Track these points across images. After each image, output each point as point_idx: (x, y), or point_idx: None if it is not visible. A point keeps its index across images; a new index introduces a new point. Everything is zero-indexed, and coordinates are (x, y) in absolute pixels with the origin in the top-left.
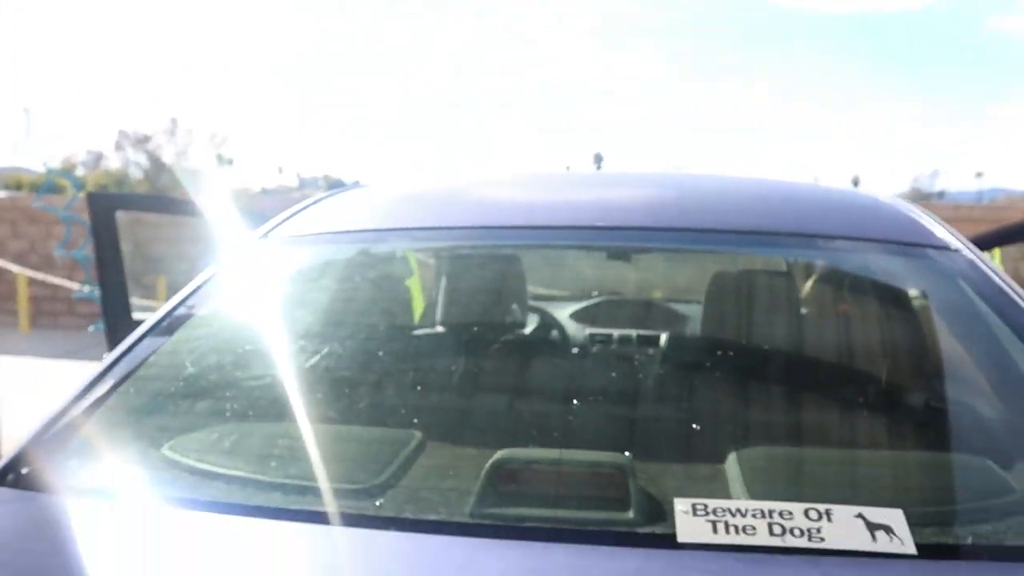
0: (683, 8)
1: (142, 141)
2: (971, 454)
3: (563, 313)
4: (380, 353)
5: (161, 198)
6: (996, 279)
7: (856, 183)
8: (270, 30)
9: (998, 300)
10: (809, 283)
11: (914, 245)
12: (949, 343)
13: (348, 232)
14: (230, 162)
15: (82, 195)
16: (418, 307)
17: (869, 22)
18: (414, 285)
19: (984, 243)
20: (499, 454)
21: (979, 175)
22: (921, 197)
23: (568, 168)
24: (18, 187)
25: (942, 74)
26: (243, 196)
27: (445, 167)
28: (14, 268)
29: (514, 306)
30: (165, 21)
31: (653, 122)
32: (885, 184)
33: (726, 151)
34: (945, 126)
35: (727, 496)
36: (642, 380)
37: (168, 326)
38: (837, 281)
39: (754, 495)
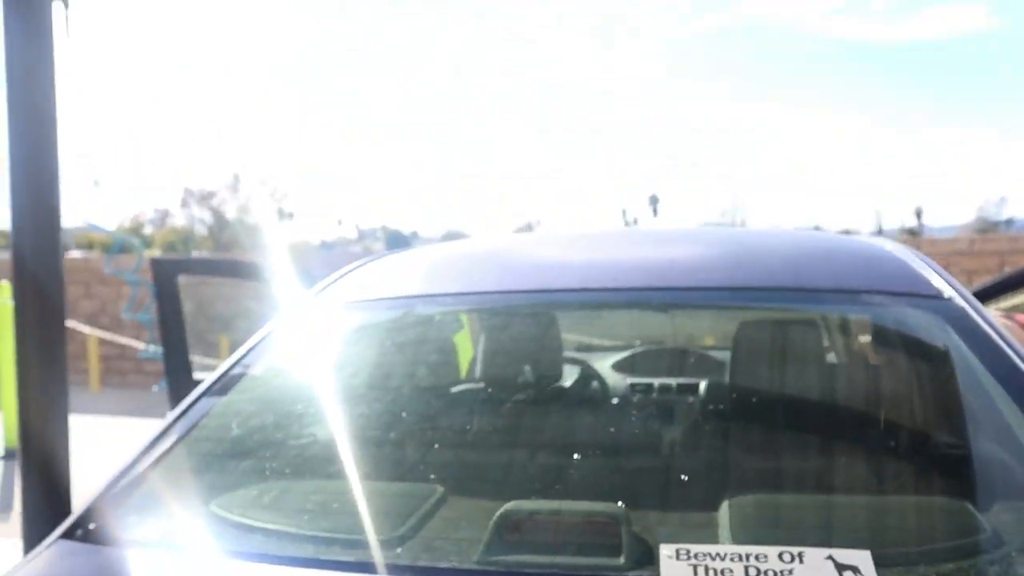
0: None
1: (206, 198)
2: (949, 497)
3: (603, 364)
4: (414, 414)
5: (220, 262)
6: (984, 327)
7: (919, 214)
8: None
9: (983, 349)
10: (801, 335)
11: (904, 295)
12: (933, 390)
13: (391, 298)
14: (290, 216)
15: (147, 258)
16: (465, 360)
17: (930, 46)
18: (463, 340)
19: (985, 294)
20: (507, 506)
21: None
22: (987, 226)
23: (624, 211)
24: (89, 246)
25: (1011, 98)
26: (303, 250)
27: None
28: (85, 329)
29: (544, 361)
30: (220, 74)
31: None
32: (950, 212)
33: (791, 181)
34: (1015, 151)
35: (715, 542)
36: (644, 431)
37: (222, 387)
38: (827, 332)
39: (737, 540)
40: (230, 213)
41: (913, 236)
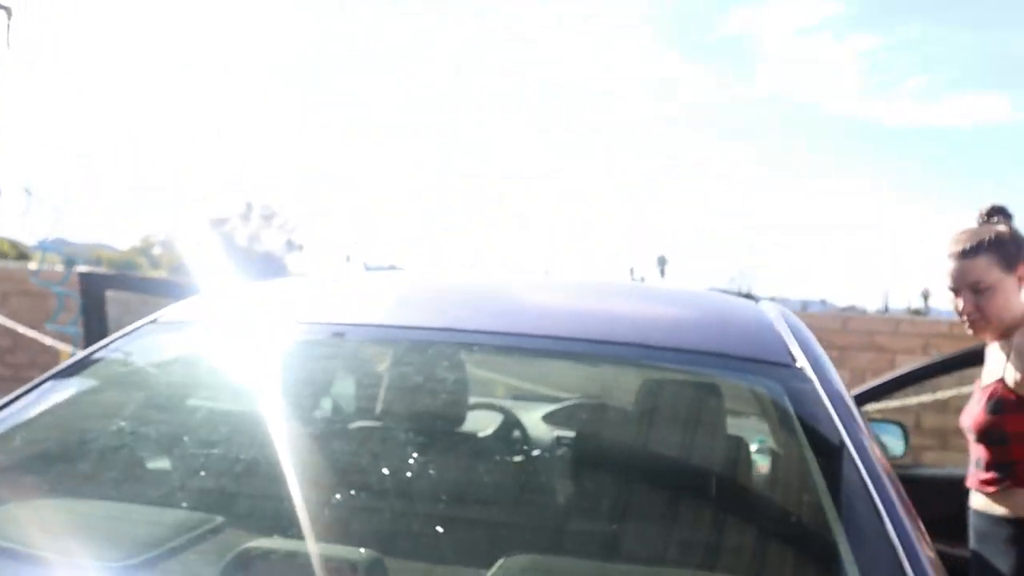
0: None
1: (217, 224)
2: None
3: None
4: (223, 440)
5: (151, 281)
6: (824, 401)
7: (926, 297)
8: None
9: (816, 423)
10: (638, 394)
11: (750, 359)
12: (752, 460)
13: (253, 321)
14: (300, 248)
15: (74, 271)
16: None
17: (950, 133)
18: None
19: (865, 397)
20: (246, 544)
21: None
22: None
23: (632, 270)
24: (98, 262)
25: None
26: None
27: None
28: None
29: (405, 400)
30: (219, 76)
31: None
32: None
33: (802, 253)
34: None
35: None
36: (441, 478)
37: (36, 396)
38: (666, 393)
39: None
40: (240, 241)
41: (919, 316)
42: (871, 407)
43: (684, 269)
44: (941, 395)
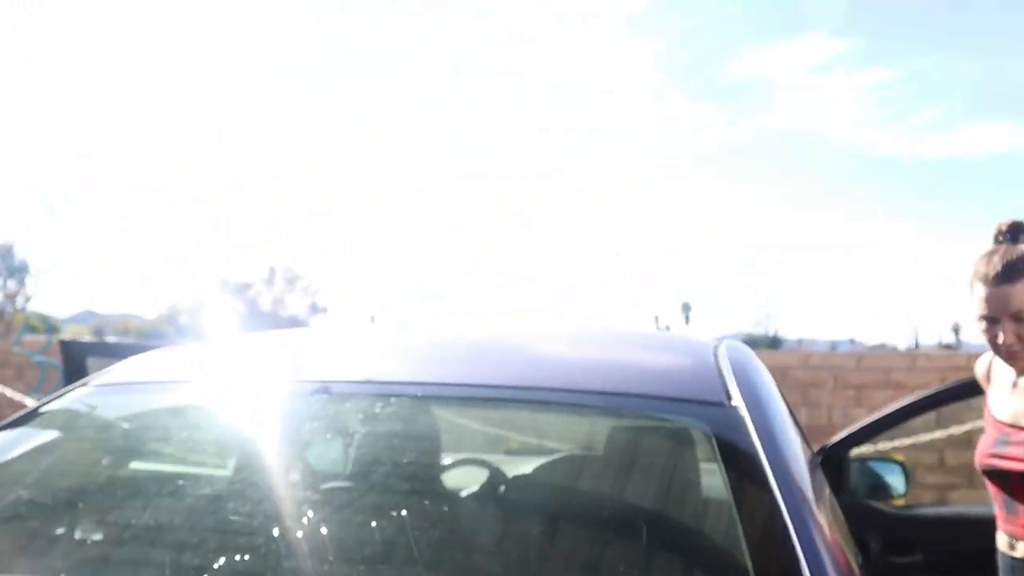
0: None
1: (241, 290)
2: None
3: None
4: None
5: (130, 346)
6: (754, 442)
7: (957, 331)
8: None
9: (739, 466)
10: (566, 438)
11: (679, 400)
12: (667, 503)
13: (171, 381)
14: (324, 310)
15: (55, 340)
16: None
17: (963, 163)
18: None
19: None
20: None
21: None
22: None
23: (657, 318)
24: (126, 331)
25: None
26: None
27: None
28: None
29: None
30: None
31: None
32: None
33: (825, 292)
34: None
35: None
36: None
37: None
38: (598, 436)
39: None
40: (264, 305)
41: (951, 351)
42: (887, 444)
43: (708, 314)
44: (956, 430)
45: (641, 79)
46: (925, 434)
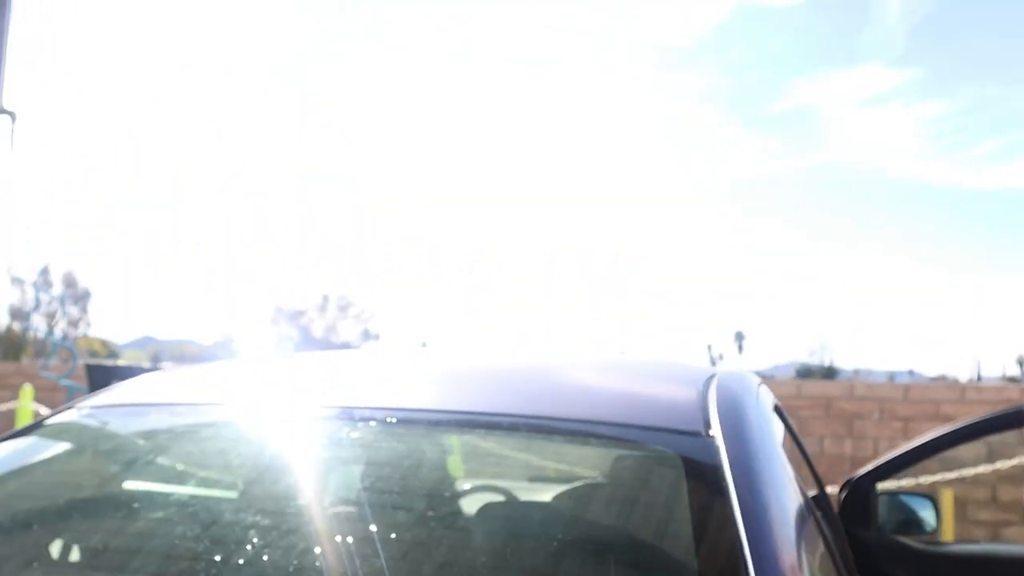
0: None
1: (295, 316)
2: None
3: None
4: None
5: (152, 370)
6: (726, 475)
7: (1022, 363)
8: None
9: (710, 491)
10: (549, 465)
11: (654, 429)
12: (637, 536)
13: (167, 403)
14: (376, 337)
15: (80, 364)
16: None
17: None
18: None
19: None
20: None
21: None
22: None
23: (709, 347)
24: (183, 358)
25: None
26: None
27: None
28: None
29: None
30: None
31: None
32: None
33: (883, 322)
34: None
35: None
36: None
37: None
38: (577, 464)
39: None
40: (317, 332)
41: (1014, 383)
42: (929, 478)
43: (763, 343)
44: (1003, 464)
45: (701, 109)
46: (971, 468)
